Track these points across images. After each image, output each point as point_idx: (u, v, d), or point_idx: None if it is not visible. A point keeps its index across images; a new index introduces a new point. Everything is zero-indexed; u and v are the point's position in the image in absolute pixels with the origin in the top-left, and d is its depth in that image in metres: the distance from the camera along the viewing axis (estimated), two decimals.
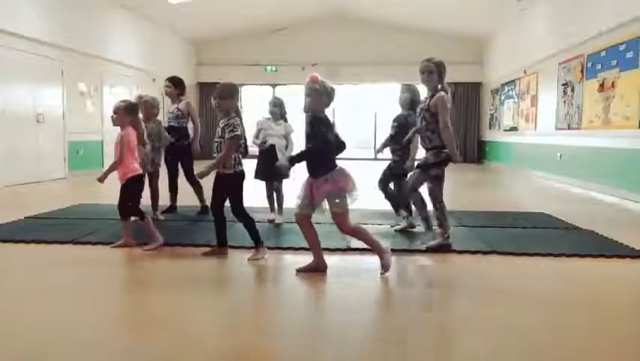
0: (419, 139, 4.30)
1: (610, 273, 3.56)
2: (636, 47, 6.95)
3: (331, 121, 3.25)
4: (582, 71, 8.62)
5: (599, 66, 8.01)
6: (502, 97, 13.60)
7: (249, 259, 3.66)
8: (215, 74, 15.80)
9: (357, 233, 3.36)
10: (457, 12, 12.64)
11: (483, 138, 15.66)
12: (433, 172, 4.00)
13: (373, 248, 3.37)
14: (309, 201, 3.26)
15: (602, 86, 7.90)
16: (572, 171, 8.86)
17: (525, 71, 11.60)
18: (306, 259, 3.60)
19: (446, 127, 3.84)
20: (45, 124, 8.88)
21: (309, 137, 3.23)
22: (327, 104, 3.24)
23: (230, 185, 3.65)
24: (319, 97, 3.17)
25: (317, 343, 2.35)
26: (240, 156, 3.69)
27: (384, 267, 3.32)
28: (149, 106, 5.04)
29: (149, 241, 3.98)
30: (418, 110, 4.10)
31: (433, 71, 3.88)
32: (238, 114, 3.69)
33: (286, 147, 5.02)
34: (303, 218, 3.32)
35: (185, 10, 11.73)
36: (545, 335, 2.41)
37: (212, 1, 11.88)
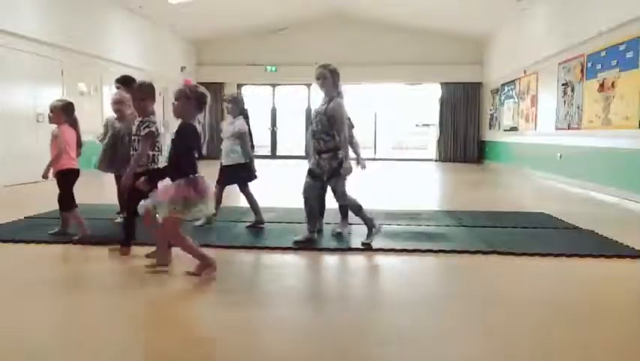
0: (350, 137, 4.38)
1: (610, 273, 3.56)
2: (636, 47, 6.95)
3: (199, 131, 3.17)
4: (582, 71, 8.61)
5: (599, 66, 8.01)
6: (502, 97, 13.60)
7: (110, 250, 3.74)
8: (215, 74, 15.81)
9: (180, 244, 3.25)
10: (457, 12, 12.64)
11: (483, 138, 15.65)
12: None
13: (196, 258, 3.27)
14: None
15: (602, 86, 7.89)
16: (572, 171, 8.86)
17: (525, 71, 11.60)
18: (302, 258, 3.61)
19: (342, 134, 3.96)
20: (45, 124, 8.85)
21: (173, 142, 3.19)
22: (198, 109, 3.19)
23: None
24: (188, 101, 3.13)
25: (317, 343, 2.35)
26: (157, 155, 3.69)
27: (199, 270, 3.22)
28: (113, 102, 4.82)
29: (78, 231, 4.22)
30: (314, 113, 4.13)
31: (328, 78, 4.00)
32: (153, 114, 3.70)
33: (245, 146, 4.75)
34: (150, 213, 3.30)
35: (185, 10, 11.72)
36: (545, 335, 2.41)
37: (212, 1, 11.87)
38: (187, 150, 3.14)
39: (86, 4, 10.13)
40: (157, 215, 3.32)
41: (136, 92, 3.66)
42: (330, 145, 3.99)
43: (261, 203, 5.01)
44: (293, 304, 2.89)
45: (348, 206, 4.16)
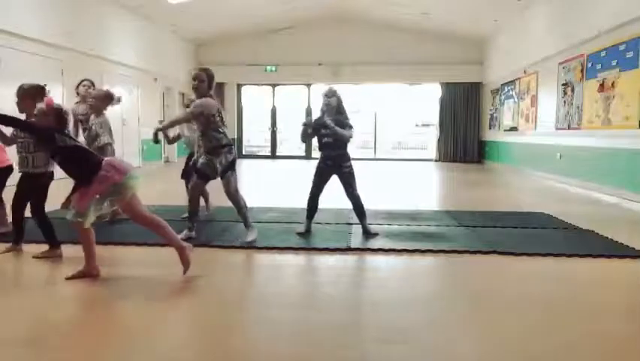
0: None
1: (610, 273, 3.56)
2: (636, 47, 6.95)
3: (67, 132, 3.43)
4: (582, 71, 8.61)
5: (599, 66, 8.01)
6: (502, 97, 13.60)
7: (34, 256, 3.74)
8: (215, 74, 15.74)
9: (151, 224, 3.32)
10: (457, 12, 12.64)
11: (483, 138, 15.65)
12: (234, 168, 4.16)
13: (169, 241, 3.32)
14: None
15: (602, 86, 7.89)
16: (572, 171, 8.86)
17: (525, 71, 11.60)
18: (302, 258, 3.60)
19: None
20: None
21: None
22: (59, 124, 3.41)
23: (38, 184, 3.84)
24: (45, 117, 3.44)
25: (317, 343, 2.35)
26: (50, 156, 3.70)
27: (184, 258, 3.25)
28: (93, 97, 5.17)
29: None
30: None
31: (205, 80, 4.16)
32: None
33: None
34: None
35: (185, 10, 11.72)
36: (545, 335, 2.41)
37: (212, 1, 11.87)
38: (72, 151, 3.30)
39: (86, 4, 10.12)
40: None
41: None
42: (224, 142, 4.12)
43: (261, 203, 5.02)
44: (292, 304, 2.89)
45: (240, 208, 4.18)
